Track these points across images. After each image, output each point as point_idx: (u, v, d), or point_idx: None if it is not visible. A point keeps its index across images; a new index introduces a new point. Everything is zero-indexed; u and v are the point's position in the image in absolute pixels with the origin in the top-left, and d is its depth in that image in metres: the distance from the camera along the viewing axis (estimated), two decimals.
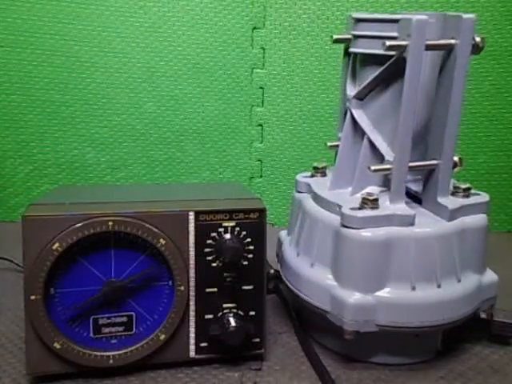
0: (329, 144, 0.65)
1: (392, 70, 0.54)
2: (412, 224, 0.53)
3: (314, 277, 0.57)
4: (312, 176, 0.66)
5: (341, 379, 0.54)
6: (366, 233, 0.52)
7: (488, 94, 0.96)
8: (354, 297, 0.53)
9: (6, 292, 0.71)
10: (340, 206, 0.55)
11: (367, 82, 0.56)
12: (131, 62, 0.95)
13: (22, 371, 0.54)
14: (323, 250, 0.56)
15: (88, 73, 0.95)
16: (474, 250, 0.57)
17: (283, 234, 0.69)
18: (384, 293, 0.53)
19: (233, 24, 0.95)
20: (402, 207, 0.55)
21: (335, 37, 0.59)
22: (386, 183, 0.57)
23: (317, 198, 0.60)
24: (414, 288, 0.53)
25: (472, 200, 0.58)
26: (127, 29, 0.94)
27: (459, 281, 0.55)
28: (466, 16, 0.51)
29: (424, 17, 0.50)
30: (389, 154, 0.55)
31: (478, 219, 0.57)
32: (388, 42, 0.50)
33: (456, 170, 0.58)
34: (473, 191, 0.59)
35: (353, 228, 0.53)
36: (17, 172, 0.98)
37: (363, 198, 0.54)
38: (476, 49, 0.53)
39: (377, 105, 0.57)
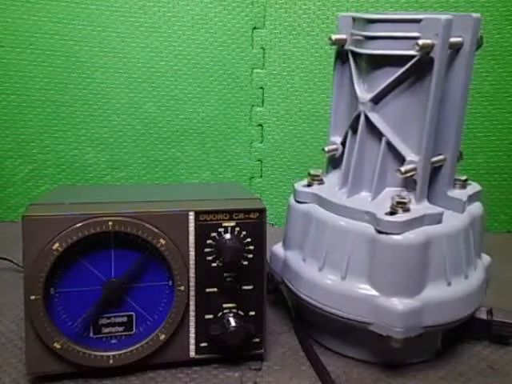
0: (326, 148, 0.62)
1: (413, 70, 0.53)
2: (440, 221, 0.54)
3: (349, 290, 0.54)
4: (309, 184, 0.62)
5: (341, 379, 0.54)
6: (405, 236, 0.52)
7: (488, 94, 0.96)
8: (403, 303, 0.52)
9: (6, 292, 0.71)
10: (370, 213, 0.53)
11: (386, 83, 0.54)
12: (131, 62, 0.95)
13: (22, 371, 0.54)
14: (356, 261, 0.54)
15: (88, 73, 0.95)
16: (478, 237, 0.59)
17: (279, 249, 0.65)
18: (426, 293, 0.53)
19: (233, 24, 0.95)
20: (428, 206, 0.55)
21: (334, 37, 0.58)
22: (402, 183, 0.57)
23: (334, 207, 0.57)
24: (449, 283, 0.54)
25: (471, 190, 0.60)
26: (127, 29, 0.94)
27: (475, 268, 0.57)
28: (474, 15, 0.52)
29: (450, 16, 0.51)
30: (409, 155, 0.55)
31: (479, 207, 0.60)
32: (421, 42, 0.50)
33: (459, 163, 0.59)
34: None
35: (392, 233, 0.52)
36: (17, 172, 0.98)
37: (397, 202, 0.53)
38: (477, 46, 0.54)
39: (395, 106, 0.55)
